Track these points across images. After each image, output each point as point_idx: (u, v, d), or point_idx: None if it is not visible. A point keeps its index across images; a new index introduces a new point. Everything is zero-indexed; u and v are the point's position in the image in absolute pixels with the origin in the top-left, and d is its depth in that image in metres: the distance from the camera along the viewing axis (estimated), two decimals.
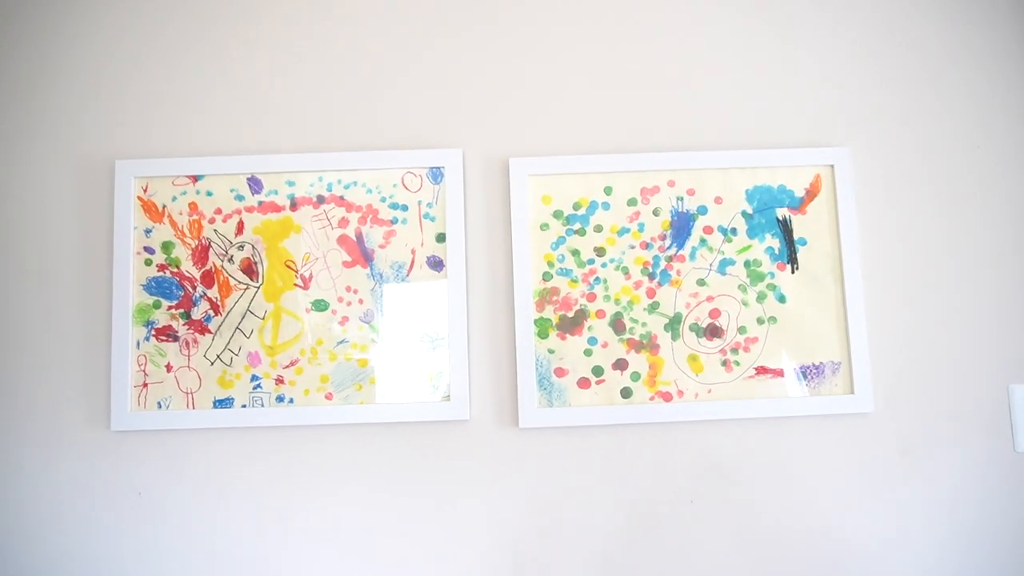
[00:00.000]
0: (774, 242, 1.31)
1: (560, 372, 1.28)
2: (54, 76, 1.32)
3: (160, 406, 1.26)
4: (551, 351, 1.28)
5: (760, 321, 1.29)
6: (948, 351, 1.30)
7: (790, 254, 1.30)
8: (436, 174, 1.30)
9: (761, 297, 1.30)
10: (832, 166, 1.32)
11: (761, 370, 1.28)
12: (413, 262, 1.29)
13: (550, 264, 1.30)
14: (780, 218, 1.31)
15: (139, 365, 1.27)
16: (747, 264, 1.30)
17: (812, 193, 1.32)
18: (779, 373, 1.28)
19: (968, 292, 1.31)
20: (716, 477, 1.27)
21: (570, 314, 1.29)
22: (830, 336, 1.29)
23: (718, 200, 1.31)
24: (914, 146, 1.34)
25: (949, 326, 1.30)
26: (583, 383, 1.28)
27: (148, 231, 1.29)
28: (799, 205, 1.31)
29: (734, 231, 1.31)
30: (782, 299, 1.30)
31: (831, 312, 1.29)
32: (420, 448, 1.26)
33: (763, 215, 1.31)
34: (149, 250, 1.28)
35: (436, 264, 1.29)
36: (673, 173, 1.31)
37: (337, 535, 1.24)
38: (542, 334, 1.28)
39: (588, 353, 1.28)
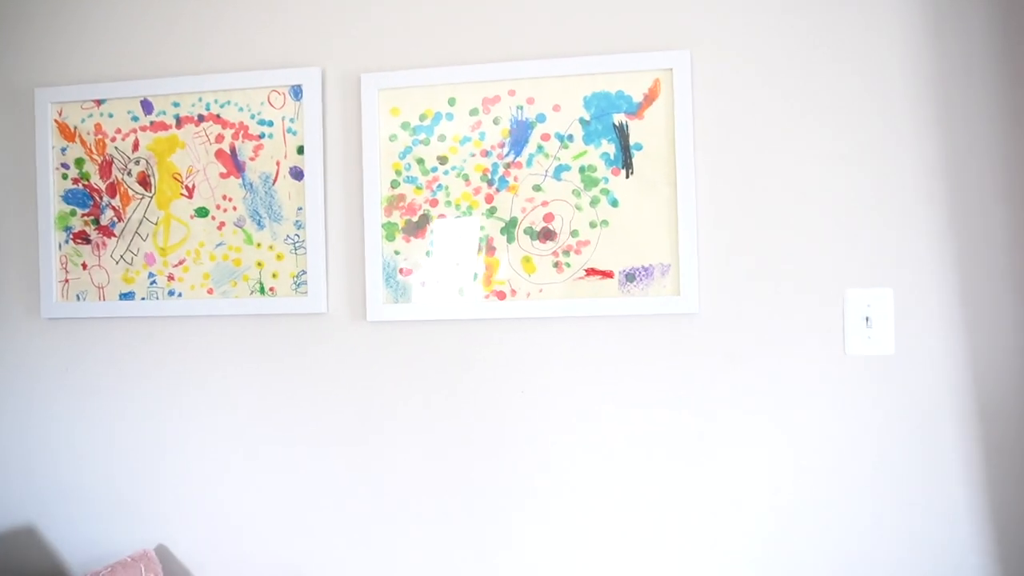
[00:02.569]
0: (610, 148, 1.34)
1: (404, 272, 1.39)
2: None
3: (78, 298, 1.50)
4: (397, 252, 1.40)
5: (592, 225, 1.34)
6: (783, 256, 1.30)
7: (625, 159, 1.34)
8: (297, 91, 1.42)
9: (594, 202, 1.34)
10: (671, 70, 1.32)
11: (591, 271, 1.34)
12: (278, 173, 1.43)
13: (397, 172, 1.40)
14: (616, 123, 1.34)
15: (61, 264, 1.50)
16: (582, 169, 1.35)
17: (651, 98, 1.33)
18: (608, 275, 1.34)
19: (807, 198, 1.29)
20: (545, 372, 1.36)
21: (415, 219, 1.39)
22: (661, 239, 1.32)
23: (556, 108, 1.35)
24: (762, 48, 1.31)
25: (785, 231, 1.30)
26: (423, 282, 1.39)
27: (64, 149, 1.50)
28: (636, 110, 1.33)
29: (571, 138, 1.35)
30: (615, 203, 1.34)
31: (663, 216, 1.32)
32: (285, 337, 1.43)
33: (600, 121, 1.34)
34: (65, 166, 1.50)
35: (297, 174, 1.42)
36: (514, 83, 1.37)
37: (215, 411, 1.45)
38: (389, 237, 1.40)
39: (429, 254, 1.39)
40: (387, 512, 1.39)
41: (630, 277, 1.33)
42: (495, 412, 1.37)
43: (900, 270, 1.27)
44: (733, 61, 1.32)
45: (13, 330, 1.52)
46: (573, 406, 1.35)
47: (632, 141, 1.33)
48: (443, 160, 1.38)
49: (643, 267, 1.33)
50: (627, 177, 1.33)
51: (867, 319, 1.28)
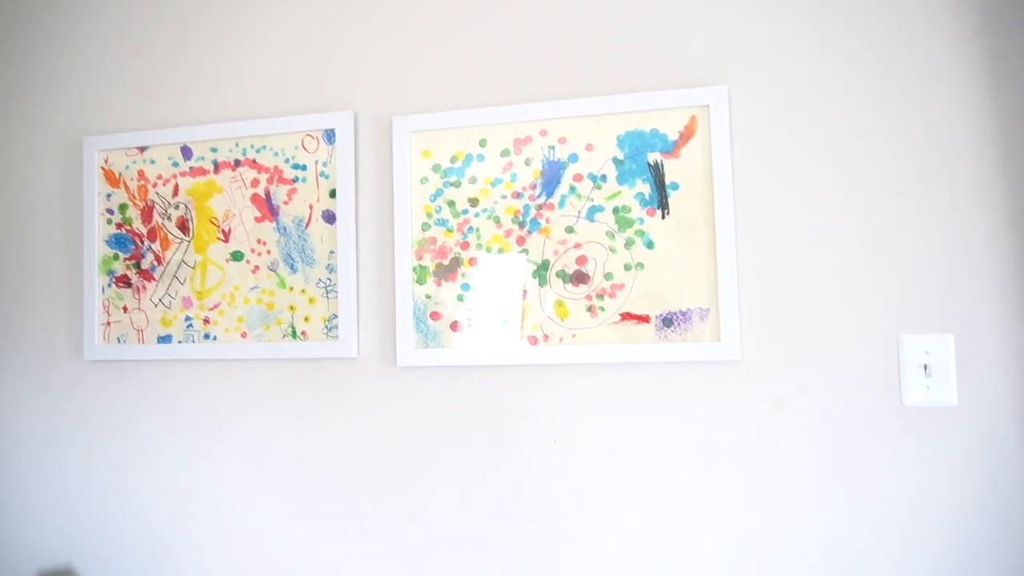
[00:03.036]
0: (644, 187, 1.30)
1: (435, 315, 1.37)
2: (38, 72, 1.60)
3: (119, 341, 1.52)
4: (428, 296, 1.37)
5: (627, 267, 1.30)
6: (831, 299, 1.22)
7: (660, 199, 1.29)
8: (330, 135, 1.43)
9: (629, 243, 1.30)
10: (708, 106, 1.27)
11: (626, 316, 1.29)
12: (311, 217, 1.43)
13: (428, 215, 1.38)
14: (651, 163, 1.29)
15: (104, 307, 1.53)
16: (616, 210, 1.30)
17: (687, 136, 1.28)
18: (644, 319, 1.29)
19: (856, 237, 1.22)
20: (579, 421, 1.31)
21: (445, 262, 1.37)
22: (699, 282, 1.27)
23: (588, 147, 1.32)
24: (805, 81, 1.25)
25: (833, 273, 1.23)
26: (455, 326, 1.36)
27: (109, 195, 1.54)
28: (672, 149, 1.29)
29: (604, 178, 1.31)
30: (650, 245, 1.29)
31: (701, 258, 1.27)
32: (316, 381, 1.42)
33: (634, 160, 1.30)
34: (110, 211, 1.54)
35: (330, 218, 1.42)
36: (546, 123, 1.34)
37: (246, 456, 1.44)
38: (420, 280, 1.38)
39: (461, 299, 1.36)
40: (413, 559, 1.35)
41: (667, 322, 1.27)
42: (527, 462, 1.32)
43: (961, 314, 1.18)
44: (774, 95, 1.26)
45: (58, 371, 1.56)
46: (608, 458, 1.29)
47: (668, 180, 1.29)
48: (474, 202, 1.36)
49: (681, 311, 1.27)
50: (663, 218, 1.29)
51: (925, 367, 1.19)
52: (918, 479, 1.18)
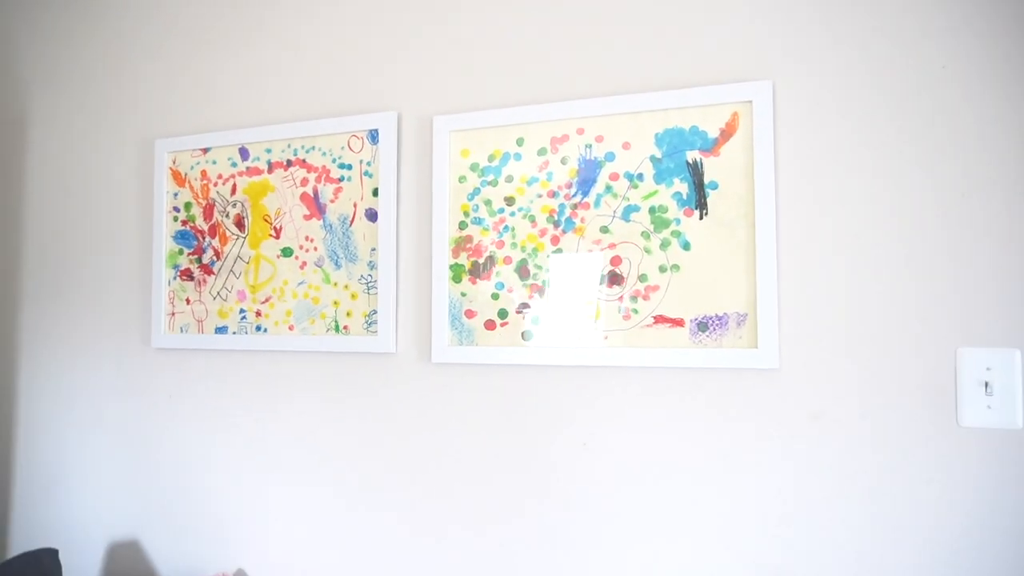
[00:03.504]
0: (682, 187, 1.25)
1: (470, 314, 1.38)
2: (116, 79, 1.72)
3: (182, 330, 1.62)
4: (463, 294, 1.38)
5: (663, 269, 1.26)
6: (880, 308, 1.14)
7: (699, 199, 1.24)
8: (374, 136, 1.46)
9: (665, 244, 1.26)
10: (750, 103, 1.21)
11: (660, 319, 1.25)
12: (355, 215, 1.47)
13: (466, 214, 1.39)
14: (690, 161, 1.25)
15: (169, 299, 1.63)
16: (652, 210, 1.27)
17: (728, 133, 1.23)
18: (679, 323, 1.24)
19: (910, 242, 1.13)
20: (609, 424, 1.28)
21: (481, 260, 1.38)
22: (737, 286, 1.21)
23: (626, 146, 1.29)
24: (852, 76, 1.17)
25: (882, 280, 1.14)
26: (489, 324, 1.36)
27: (175, 194, 1.64)
28: (712, 147, 1.24)
29: (640, 177, 1.28)
30: (687, 246, 1.24)
31: (740, 261, 1.21)
32: (356, 374, 1.46)
33: (672, 159, 1.26)
34: (176, 209, 1.64)
35: (372, 216, 1.46)
36: (583, 121, 1.32)
37: (290, 443, 1.50)
38: (456, 278, 1.39)
39: (495, 297, 1.36)
40: (435, 555, 1.37)
41: (702, 326, 1.23)
42: (555, 465, 1.31)
43: None
44: (821, 91, 1.19)
45: (129, 357, 1.67)
46: (637, 464, 1.26)
47: (707, 180, 1.24)
48: (510, 201, 1.36)
49: (717, 316, 1.22)
50: (701, 218, 1.24)
51: (986, 384, 1.09)
52: (972, 507, 1.08)
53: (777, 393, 1.19)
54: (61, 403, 1.73)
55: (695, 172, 1.25)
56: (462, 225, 1.39)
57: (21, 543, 1.76)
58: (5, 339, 1.81)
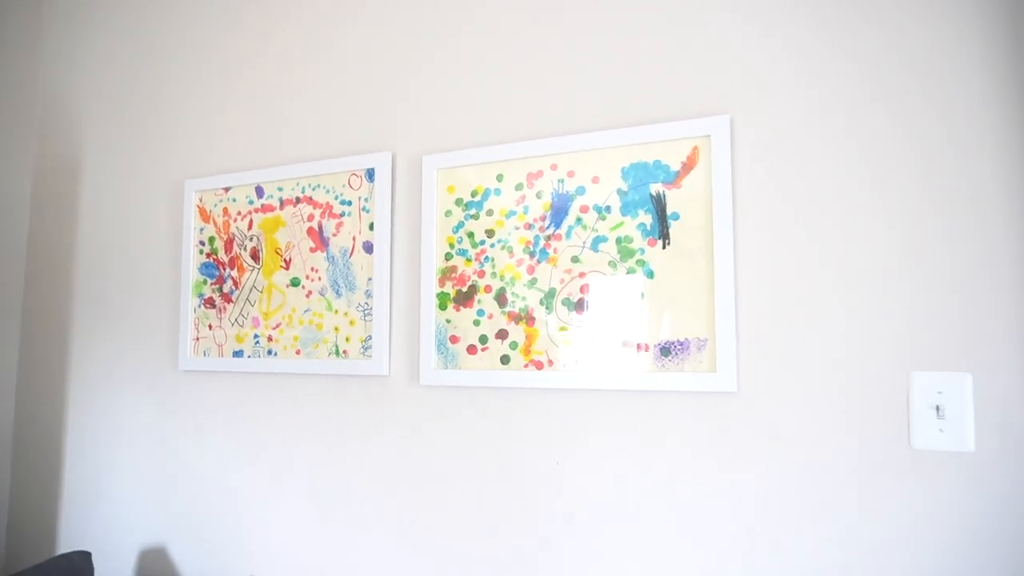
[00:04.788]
0: (647, 218, 1.32)
1: (454, 339, 1.47)
2: (147, 124, 1.91)
3: (205, 354, 1.77)
4: (448, 321, 1.48)
5: (628, 297, 1.32)
6: (835, 333, 1.17)
7: (662, 229, 1.30)
8: (371, 174, 1.58)
9: (630, 272, 1.32)
10: (709, 136, 1.27)
11: (626, 344, 1.31)
12: (354, 247, 1.59)
13: (451, 245, 1.49)
14: (653, 193, 1.31)
15: (195, 325, 1.79)
16: (619, 240, 1.33)
17: (688, 166, 1.29)
18: (644, 347, 1.30)
19: (863, 268, 1.16)
20: (580, 444, 1.34)
21: (464, 289, 1.47)
22: (698, 312, 1.26)
23: (595, 180, 1.36)
24: (807, 109, 1.22)
25: (838, 305, 1.18)
26: (471, 349, 1.45)
27: (201, 229, 1.80)
28: (674, 179, 1.30)
29: (608, 209, 1.35)
30: (650, 274, 1.30)
31: (700, 287, 1.26)
32: (355, 395, 1.57)
33: (637, 191, 1.33)
34: (202, 243, 1.80)
35: (369, 248, 1.57)
36: (556, 157, 1.40)
37: (293, 458, 1.62)
38: (442, 306, 1.49)
39: (476, 323, 1.45)
40: (411, 555, 1.45)
41: (665, 351, 1.28)
42: (529, 482, 1.37)
43: (981, 352, 1.09)
44: (777, 123, 1.24)
45: (159, 379, 1.83)
46: (607, 482, 1.31)
47: (669, 211, 1.30)
48: (490, 233, 1.45)
49: (679, 341, 1.27)
50: (664, 248, 1.30)
51: (938, 408, 1.10)
52: (926, 528, 1.09)
53: (736, 415, 1.23)
54: (102, 420, 1.91)
55: (658, 204, 1.31)
56: (448, 256, 1.49)
57: (68, 546, 1.94)
58: (59, 361, 2.00)
